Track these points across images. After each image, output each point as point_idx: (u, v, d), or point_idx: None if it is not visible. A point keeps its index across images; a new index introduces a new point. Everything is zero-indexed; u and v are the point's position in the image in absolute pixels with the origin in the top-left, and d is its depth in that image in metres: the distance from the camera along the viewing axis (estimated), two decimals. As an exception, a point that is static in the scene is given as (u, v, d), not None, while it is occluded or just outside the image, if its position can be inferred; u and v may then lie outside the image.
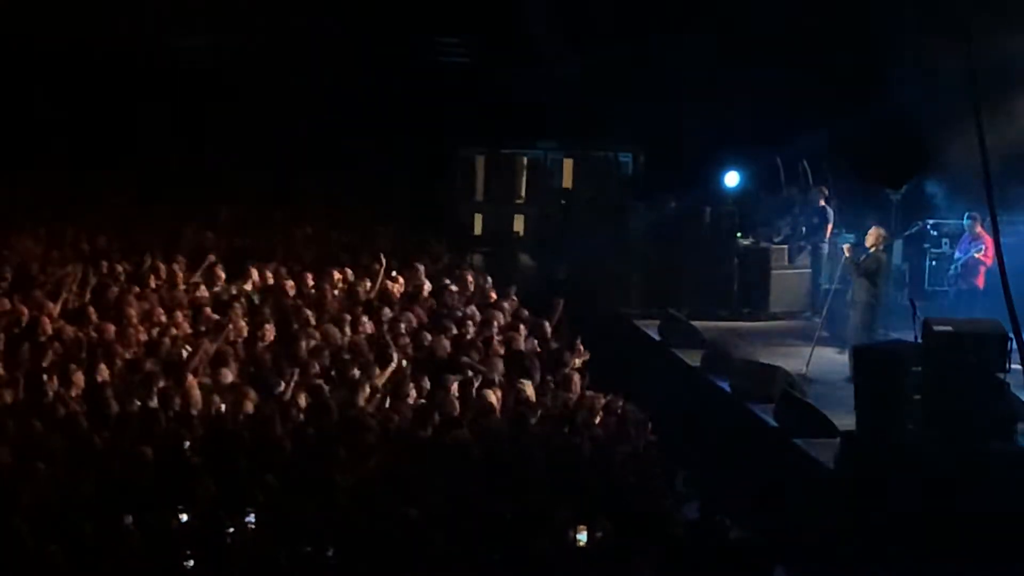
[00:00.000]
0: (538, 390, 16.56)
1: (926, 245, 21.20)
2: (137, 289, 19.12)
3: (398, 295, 19.65)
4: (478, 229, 27.70)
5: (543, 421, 15.60)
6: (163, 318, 18.01)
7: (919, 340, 15.05)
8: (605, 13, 24.41)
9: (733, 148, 23.10)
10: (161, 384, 15.53)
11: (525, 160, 28.01)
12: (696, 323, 20.53)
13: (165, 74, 27.07)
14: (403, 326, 18.07)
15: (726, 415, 17.68)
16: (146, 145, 26.80)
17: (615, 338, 20.67)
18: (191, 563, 12.22)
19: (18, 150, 25.76)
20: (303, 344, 17.12)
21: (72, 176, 25.73)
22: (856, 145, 21.64)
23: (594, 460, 14.59)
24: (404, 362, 17.06)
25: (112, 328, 17.27)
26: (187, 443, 14.28)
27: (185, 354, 16.68)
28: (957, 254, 20.20)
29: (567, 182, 27.75)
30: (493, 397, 15.97)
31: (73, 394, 15.35)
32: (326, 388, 15.86)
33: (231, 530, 12.58)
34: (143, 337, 17.33)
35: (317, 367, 16.52)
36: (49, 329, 17.12)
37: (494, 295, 20.02)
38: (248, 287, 19.62)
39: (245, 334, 17.57)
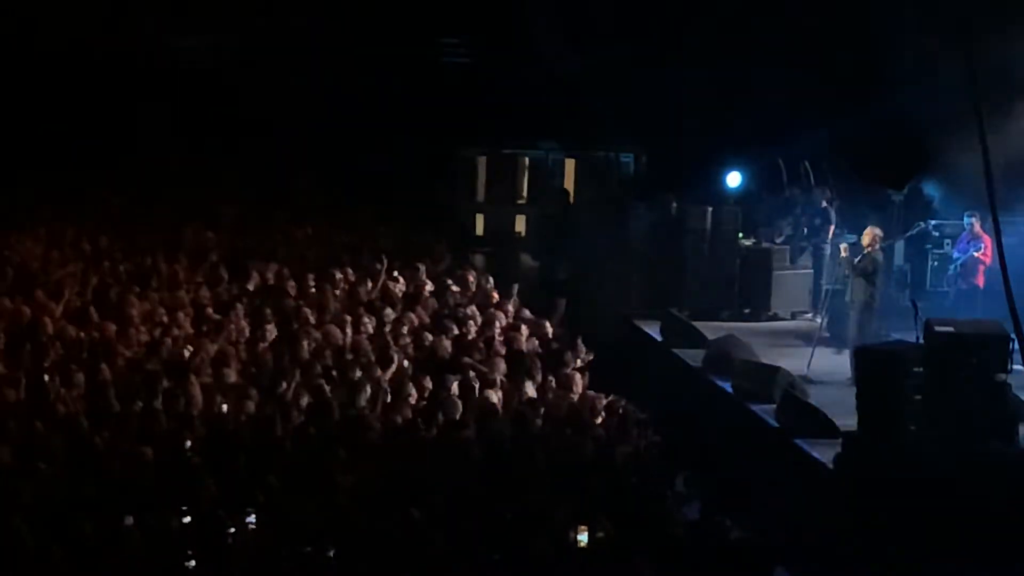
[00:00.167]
0: (539, 390, 16.56)
1: (928, 246, 21.18)
2: (138, 289, 19.13)
3: (399, 295, 19.65)
4: (479, 229, 27.71)
5: (544, 421, 15.60)
6: (164, 318, 18.00)
7: (921, 341, 15.03)
8: (605, 13, 24.40)
9: (734, 148, 23.09)
10: (163, 384, 15.53)
11: (526, 160, 28.02)
12: (697, 323, 20.52)
13: (165, 74, 27.07)
14: (404, 326, 18.06)
15: (727, 416, 17.67)
16: (146, 145, 26.79)
17: (616, 338, 20.65)
18: (192, 563, 12.21)
19: (18, 150, 25.75)
20: (304, 344, 17.12)
21: (72, 176, 25.73)
22: (857, 145, 21.62)
23: (595, 460, 14.58)
24: (405, 362, 17.06)
25: (113, 328, 17.27)
26: (188, 443, 14.28)
27: (187, 354, 16.68)
28: (955, 254, 20.20)
29: (569, 182, 27.75)
30: (495, 397, 15.97)
31: (74, 394, 15.35)
32: (327, 388, 15.85)
33: (232, 530, 12.58)
34: (144, 337, 17.33)
35: (318, 367, 16.52)
36: (50, 329, 17.12)
37: (496, 295, 20.01)
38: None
39: (247, 334, 17.58)
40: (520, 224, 27.67)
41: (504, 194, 27.89)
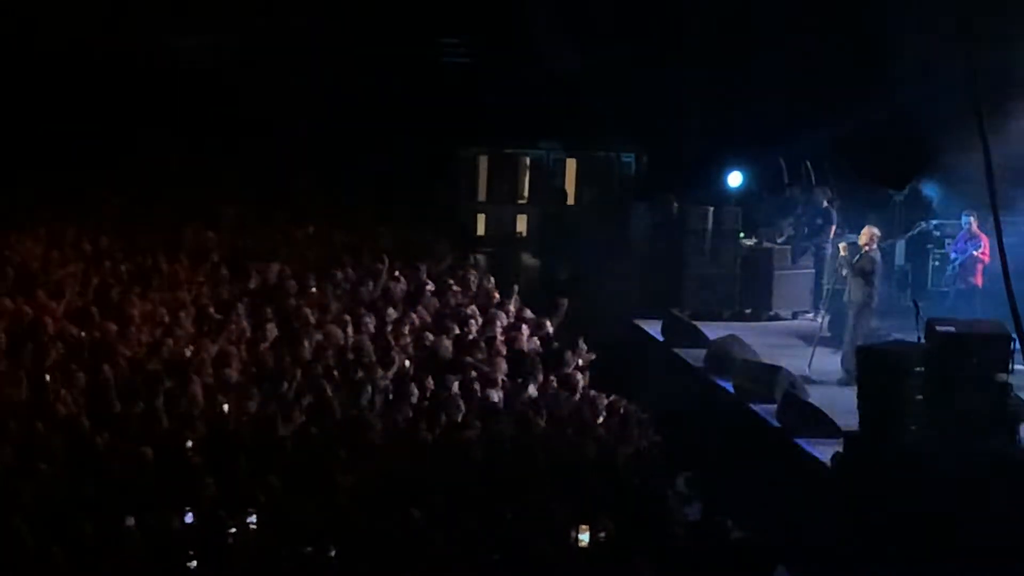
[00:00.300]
0: (541, 390, 16.55)
1: (929, 246, 21.16)
2: (139, 289, 19.12)
3: (401, 295, 19.64)
4: (481, 229, 27.66)
5: (546, 421, 15.60)
6: (165, 318, 17.99)
7: (922, 341, 15.02)
8: (605, 13, 24.39)
9: (735, 148, 23.08)
10: (164, 384, 15.52)
11: (528, 160, 27.98)
12: (699, 323, 20.52)
13: (165, 74, 27.04)
14: (406, 326, 18.06)
15: (728, 415, 17.66)
16: (146, 145, 26.76)
17: (617, 338, 20.63)
18: (193, 563, 12.21)
19: (18, 150, 25.73)
20: (305, 344, 17.11)
21: (72, 176, 25.70)
22: (858, 145, 21.61)
23: (597, 460, 14.58)
24: (407, 362, 17.05)
25: (114, 328, 17.26)
26: (189, 443, 14.27)
27: (188, 354, 16.67)
28: (952, 254, 20.18)
29: (570, 182, 27.72)
30: (496, 397, 15.97)
31: (75, 394, 15.34)
32: (328, 388, 15.84)
33: (233, 530, 12.58)
34: (145, 337, 17.32)
35: (319, 367, 16.51)
36: (52, 329, 17.12)
37: (497, 295, 20.01)
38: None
39: (248, 334, 17.57)
40: (521, 224, 27.63)
41: (505, 194, 27.85)
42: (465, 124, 26.61)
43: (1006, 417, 14.75)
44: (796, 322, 21.84)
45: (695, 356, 19.37)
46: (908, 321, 16.07)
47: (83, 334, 17.10)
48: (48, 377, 15.66)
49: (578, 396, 16.45)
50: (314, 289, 19.62)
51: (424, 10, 26.43)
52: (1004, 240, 15.13)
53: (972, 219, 19.83)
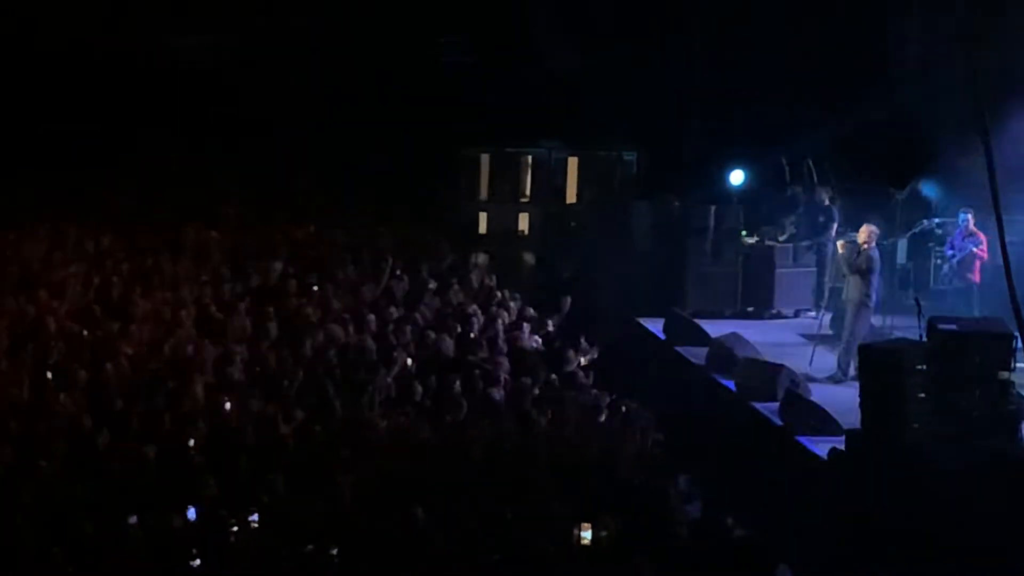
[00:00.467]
0: (543, 388, 16.55)
1: (931, 244, 21.14)
2: (140, 289, 19.12)
3: (402, 294, 19.64)
4: (483, 228, 27.66)
5: (548, 420, 15.59)
6: (167, 318, 17.99)
7: (924, 339, 15.02)
8: (605, 13, 24.38)
9: (737, 147, 23.07)
10: (165, 383, 15.52)
11: (529, 159, 27.97)
12: (701, 321, 20.51)
13: (165, 74, 27.05)
14: (408, 325, 18.05)
15: (730, 414, 17.64)
16: (146, 145, 26.76)
17: (619, 337, 20.62)
18: (195, 562, 12.20)
19: (19, 150, 25.73)
20: (307, 344, 17.11)
21: (73, 176, 25.71)
22: (858, 145, 21.61)
23: (598, 459, 14.57)
24: (409, 361, 17.05)
25: (116, 327, 17.26)
26: (191, 442, 14.27)
27: (189, 353, 16.67)
28: (949, 251, 20.16)
29: (571, 181, 27.71)
30: (498, 395, 15.96)
31: (77, 393, 15.34)
32: (330, 387, 15.84)
33: (235, 529, 12.57)
34: (147, 337, 17.32)
35: (321, 367, 16.51)
36: (53, 328, 17.12)
37: (499, 294, 20.00)
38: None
39: (249, 333, 17.57)
40: (523, 223, 27.63)
41: (507, 193, 27.85)
42: (466, 123, 26.61)
43: (1008, 415, 14.74)
44: (798, 320, 21.83)
45: (697, 354, 19.35)
46: (910, 319, 16.06)
47: (85, 333, 17.11)
48: (50, 376, 15.65)
49: (580, 395, 16.44)
50: (315, 288, 19.61)
51: (424, 10, 26.43)
52: (1008, 239, 15.15)
53: (970, 216, 19.82)
